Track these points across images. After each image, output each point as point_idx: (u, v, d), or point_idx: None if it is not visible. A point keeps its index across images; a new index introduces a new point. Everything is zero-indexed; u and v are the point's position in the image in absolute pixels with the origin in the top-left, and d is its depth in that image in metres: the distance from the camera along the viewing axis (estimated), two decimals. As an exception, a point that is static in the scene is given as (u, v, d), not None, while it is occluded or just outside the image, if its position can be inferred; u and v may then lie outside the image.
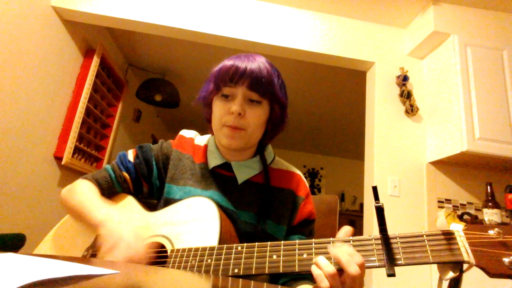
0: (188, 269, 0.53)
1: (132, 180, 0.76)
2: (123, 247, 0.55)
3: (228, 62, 0.67)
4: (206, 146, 0.78)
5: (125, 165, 0.76)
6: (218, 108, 0.68)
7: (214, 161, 0.74)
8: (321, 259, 0.47)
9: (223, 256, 0.53)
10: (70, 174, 2.19)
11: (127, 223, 0.62)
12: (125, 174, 0.75)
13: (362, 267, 0.45)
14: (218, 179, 0.73)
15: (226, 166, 0.74)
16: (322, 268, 0.46)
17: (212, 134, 0.76)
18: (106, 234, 0.58)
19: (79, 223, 0.72)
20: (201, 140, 0.81)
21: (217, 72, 0.68)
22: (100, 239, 0.58)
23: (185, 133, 0.82)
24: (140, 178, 0.76)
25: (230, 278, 0.48)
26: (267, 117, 0.71)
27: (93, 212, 0.64)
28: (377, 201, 0.48)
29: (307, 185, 0.78)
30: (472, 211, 1.77)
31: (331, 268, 0.45)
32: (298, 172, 0.79)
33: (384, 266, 0.45)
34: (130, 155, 0.78)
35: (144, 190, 0.78)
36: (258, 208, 0.71)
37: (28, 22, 1.68)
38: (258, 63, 0.67)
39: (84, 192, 0.70)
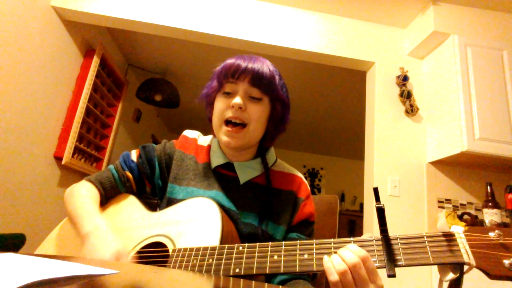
0: (189, 268, 0.53)
1: (135, 179, 0.77)
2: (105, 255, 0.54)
3: (230, 60, 0.69)
4: (209, 146, 0.79)
5: (128, 165, 0.77)
6: (219, 104, 0.69)
7: (217, 160, 0.74)
8: (343, 252, 0.47)
9: (224, 256, 0.53)
10: (70, 174, 2.19)
11: (117, 233, 0.61)
12: (128, 173, 0.76)
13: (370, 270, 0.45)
14: (221, 179, 0.73)
15: (228, 166, 0.74)
16: (334, 264, 0.46)
17: (214, 135, 0.77)
18: (88, 247, 0.57)
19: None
20: (204, 140, 0.81)
21: (220, 69, 0.69)
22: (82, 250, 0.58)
23: (188, 133, 0.83)
24: (143, 178, 0.77)
25: (231, 278, 0.48)
26: (268, 115, 0.71)
27: (83, 220, 0.63)
28: (378, 202, 0.48)
29: (308, 187, 0.79)
30: (472, 211, 1.77)
31: (342, 266, 0.45)
32: (300, 174, 0.80)
33: (385, 267, 0.45)
34: (134, 155, 0.79)
35: (147, 189, 0.79)
36: (260, 209, 0.71)
37: (28, 22, 1.67)
38: (260, 62, 0.68)
39: (81, 197, 0.69)
